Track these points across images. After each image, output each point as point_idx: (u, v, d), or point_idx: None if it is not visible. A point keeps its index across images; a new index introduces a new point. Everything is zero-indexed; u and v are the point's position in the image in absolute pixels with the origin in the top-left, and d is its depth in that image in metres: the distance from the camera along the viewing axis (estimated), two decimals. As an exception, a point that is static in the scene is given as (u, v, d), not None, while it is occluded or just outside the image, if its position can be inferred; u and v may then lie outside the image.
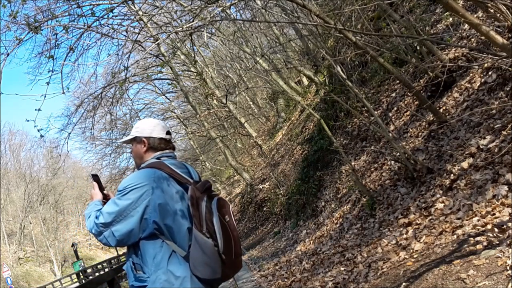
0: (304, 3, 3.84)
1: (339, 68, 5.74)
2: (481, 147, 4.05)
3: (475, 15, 5.18)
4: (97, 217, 1.90)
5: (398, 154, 5.20)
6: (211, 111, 17.77)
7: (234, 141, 23.46)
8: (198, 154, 26.13)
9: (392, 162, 5.72)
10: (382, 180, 5.93)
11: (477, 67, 4.94)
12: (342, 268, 4.70)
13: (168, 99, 26.53)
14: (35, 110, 3.70)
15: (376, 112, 6.34)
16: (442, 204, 4.05)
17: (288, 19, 7.98)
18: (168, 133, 2.13)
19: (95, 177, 2.20)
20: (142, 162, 2.08)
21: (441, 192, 4.22)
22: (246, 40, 13.54)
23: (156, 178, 1.91)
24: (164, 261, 1.85)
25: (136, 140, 2.11)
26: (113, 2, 5.20)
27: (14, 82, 62.01)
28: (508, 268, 2.50)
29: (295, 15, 7.69)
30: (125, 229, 1.85)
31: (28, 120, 4.08)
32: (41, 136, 4.77)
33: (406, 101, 6.72)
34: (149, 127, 2.11)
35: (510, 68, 4.01)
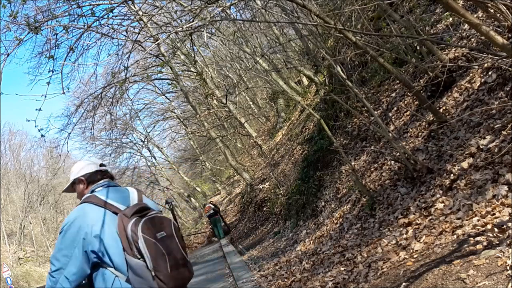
0: (304, 3, 3.84)
1: (339, 68, 5.74)
2: (481, 147, 4.05)
3: (475, 15, 5.18)
4: (50, 267, 2.06)
5: (398, 154, 5.20)
6: (211, 111, 17.78)
7: (234, 141, 23.47)
8: (198, 154, 26.14)
9: (392, 162, 5.72)
10: (382, 180, 5.93)
11: (477, 67, 4.94)
12: (342, 268, 4.70)
13: (168, 99, 26.56)
14: (36, 110, 3.69)
15: (376, 112, 6.34)
16: (442, 204, 4.05)
17: (288, 19, 7.98)
18: (101, 165, 2.34)
19: None
20: None
21: (441, 192, 4.23)
22: (246, 40, 13.53)
23: (86, 212, 2.07)
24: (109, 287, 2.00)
25: (75, 182, 2.29)
26: (113, 2, 5.20)
27: (14, 82, 61.96)
28: (508, 268, 2.50)
29: (295, 15, 7.69)
30: (75, 269, 2.00)
31: (28, 120, 4.07)
32: (42, 136, 4.76)
33: (406, 101, 6.72)
34: (82, 166, 2.31)
35: (510, 68, 4.01)
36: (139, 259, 1.96)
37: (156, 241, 1.99)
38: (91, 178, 2.28)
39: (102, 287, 2.02)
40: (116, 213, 2.09)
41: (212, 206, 16.80)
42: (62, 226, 2.07)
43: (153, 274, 1.95)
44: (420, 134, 5.61)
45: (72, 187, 2.34)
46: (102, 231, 2.03)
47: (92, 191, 2.22)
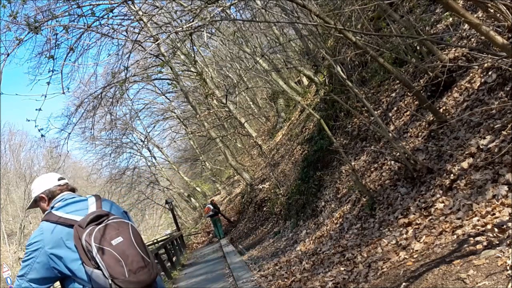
0: (304, 3, 3.84)
1: (339, 68, 5.74)
2: (481, 147, 4.05)
3: (475, 15, 5.18)
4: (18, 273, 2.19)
5: (398, 154, 5.20)
6: (211, 111, 17.78)
7: (234, 141, 23.47)
8: (198, 154, 26.14)
9: (392, 162, 5.72)
10: (382, 180, 5.93)
11: (477, 67, 4.94)
12: (342, 268, 4.70)
13: (168, 99, 26.55)
14: (36, 110, 3.69)
15: (376, 112, 6.34)
16: (442, 204, 4.05)
17: (288, 19, 7.98)
18: (60, 178, 2.35)
19: None
20: None
21: (441, 192, 4.23)
22: (246, 40, 13.53)
23: (44, 231, 2.13)
24: None
25: (37, 200, 2.32)
26: (113, 2, 5.20)
27: (14, 82, 61.94)
28: (508, 268, 2.50)
29: (295, 15, 7.69)
30: (38, 277, 2.11)
31: (28, 120, 4.07)
32: (42, 136, 4.77)
33: (406, 101, 6.72)
34: (40, 182, 2.34)
35: (510, 68, 4.01)
36: (96, 268, 1.98)
37: (110, 249, 2.00)
38: (51, 194, 2.30)
39: None
40: (72, 226, 2.11)
41: (212, 207, 16.85)
42: (26, 244, 2.15)
43: (110, 282, 1.96)
44: (420, 134, 5.61)
45: (35, 204, 2.38)
46: (59, 248, 2.08)
47: (52, 207, 2.24)
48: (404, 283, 3.24)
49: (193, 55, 14.01)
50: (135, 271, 2.02)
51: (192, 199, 30.53)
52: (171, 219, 26.19)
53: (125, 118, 25.20)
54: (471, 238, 3.15)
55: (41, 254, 2.09)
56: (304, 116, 14.11)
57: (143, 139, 27.22)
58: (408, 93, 6.49)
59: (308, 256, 6.28)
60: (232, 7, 8.13)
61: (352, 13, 6.87)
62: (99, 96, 14.43)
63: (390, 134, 5.82)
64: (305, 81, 16.85)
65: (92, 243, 2.00)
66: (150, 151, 28.92)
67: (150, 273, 2.08)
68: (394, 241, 4.28)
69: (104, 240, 2.02)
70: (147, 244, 8.35)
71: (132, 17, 12.31)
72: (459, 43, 5.54)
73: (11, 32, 4.08)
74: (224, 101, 15.07)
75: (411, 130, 5.92)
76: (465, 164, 4.09)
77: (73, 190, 2.37)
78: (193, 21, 4.82)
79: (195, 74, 17.39)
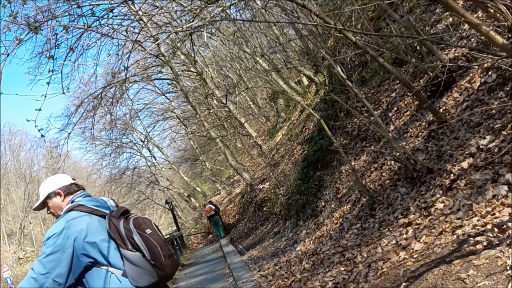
0: (304, 3, 3.84)
1: (339, 68, 5.74)
2: (481, 147, 4.05)
3: (475, 15, 5.18)
4: (31, 272, 2.16)
5: (398, 154, 5.20)
6: (211, 111, 17.78)
7: (234, 141, 23.46)
8: (198, 154, 26.12)
9: (392, 162, 5.72)
10: (382, 180, 5.93)
11: (477, 67, 4.94)
12: (342, 268, 4.70)
13: (168, 99, 26.54)
14: (36, 110, 3.70)
15: (376, 112, 6.34)
16: (442, 204, 4.05)
17: (288, 19, 7.97)
18: (72, 179, 2.49)
19: None
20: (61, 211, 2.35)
21: (441, 192, 4.23)
22: (246, 40, 13.53)
23: (75, 219, 2.22)
24: (107, 284, 2.17)
25: (50, 197, 2.40)
26: (113, 2, 5.20)
27: (14, 82, 61.88)
28: (508, 268, 2.50)
29: (295, 15, 7.69)
30: (64, 272, 2.12)
31: (28, 120, 4.08)
32: (42, 136, 4.78)
33: (406, 101, 6.72)
34: (56, 179, 2.44)
35: (510, 68, 4.01)
36: (135, 252, 2.17)
37: (148, 235, 2.23)
38: (68, 190, 2.40)
39: (100, 285, 2.17)
40: (103, 217, 2.29)
41: (213, 207, 16.84)
42: (49, 233, 2.18)
43: (152, 263, 2.18)
44: (420, 134, 5.61)
45: (44, 204, 2.44)
46: (94, 235, 2.20)
47: (73, 201, 2.35)
48: (404, 283, 3.24)
49: (193, 55, 14.01)
50: (169, 257, 2.25)
51: (192, 199, 30.53)
52: (171, 219, 26.20)
53: (125, 118, 25.20)
54: (471, 238, 3.15)
55: (74, 243, 2.15)
56: (304, 116, 14.10)
57: (143, 139, 27.21)
58: (408, 93, 6.49)
59: (308, 256, 6.28)
60: (232, 7, 8.13)
61: (352, 13, 6.87)
62: (99, 96, 14.43)
63: (390, 134, 5.82)
64: (305, 81, 16.84)
65: (133, 229, 2.22)
66: (150, 151, 28.92)
67: (176, 263, 2.35)
68: (394, 241, 4.27)
69: (140, 228, 2.24)
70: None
71: (132, 17, 12.31)
72: (459, 43, 5.54)
73: (11, 32, 4.09)
74: (224, 101, 15.07)
75: (411, 130, 5.92)
76: (465, 164, 4.09)
77: (84, 189, 2.50)
78: (193, 21, 4.82)
79: (195, 74, 17.38)
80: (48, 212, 2.43)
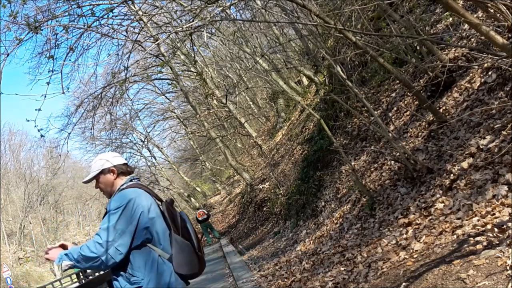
0: (304, 3, 3.84)
1: (339, 68, 5.74)
2: (481, 147, 4.05)
3: (475, 15, 5.18)
4: (97, 237, 2.19)
5: (398, 154, 5.20)
6: (211, 111, 17.77)
7: (234, 141, 23.46)
8: (198, 154, 26.13)
9: (392, 162, 5.72)
10: (382, 180, 5.92)
11: (477, 67, 4.94)
12: (342, 268, 4.70)
13: (168, 99, 26.52)
14: (35, 110, 3.70)
15: (376, 112, 6.34)
16: (442, 204, 4.05)
17: (288, 19, 7.97)
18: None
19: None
20: (114, 189, 2.40)
21: (441, 192, 4.22)
22: (246, 40, 13.52)
23: (141, 195, 2.29)
24: (155, 265, 2.20)
25: (103, 172, 2.42)
26: (113, 2, 5.20)
27: (14, 82, 61.93)
28: (508, 268, 2.50)
29: (295, 15, 7.68)
30: (127, 241, 2.17)
31: (28, 120, 4.08)
32: (42, 136, 4.77)
33: (406, 101, 6.72)
34: (110, 158, 2.46)
35: (510, 68, 4.01)
36: (186, 240, 2.30)
37: (194, 229, 2.42)
38: (121, 169, 2.43)
39: (148, 264, 2.21)
40: (160, 201, 2.43)
41: (206, 212, 16.91)
42: (115, 205, 2.21)
43: (199, 254, 2.33)
44: (420, 134, 5.61)
45: (94, 178, 2.44)
46: (154, 213, 2.29)
47: (132, 180, 2.43)
48: (404, 283, 3.24)
49: (193, 55, 14.00)
50: (203, 253, 2.41)
51: (192, 199, 30.52)
52: (171, 219, 26.09)
53: (125, 118, 25.14)
54: (471, 238, 3.15)
55: (140, 217, 2.22)
56: (304, 116, 14.10)
57: (143, 139, 27.17)
58: (408, 93, 6.49)
59: (308, 256, 6.28)
60: (232, 7, 8.12)
61: (352, 13, 6.87)
62: (99, 96, 14.40)
63: (390, 134, 5.82)
64: (305, 81, 16.84)
65: (186, 219, 2.41)
66: (150, 151, 28.88)
67: (205, 264, 2.47)
68: (394, 241, 4.27)
69: (186, 220, 2.43)
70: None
71: (132, 17, 12.30)
72: (459, 43, 5.54)
73: (11, 32, 4.09)
74: (224, 101, 15.06)
75: (411, 130, 5.92)
76: (465, 164, 4.09)
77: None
78: (193, 21, 4.82)
79: (195, 74, 17.37)
80: (96, 187, 2.44)
